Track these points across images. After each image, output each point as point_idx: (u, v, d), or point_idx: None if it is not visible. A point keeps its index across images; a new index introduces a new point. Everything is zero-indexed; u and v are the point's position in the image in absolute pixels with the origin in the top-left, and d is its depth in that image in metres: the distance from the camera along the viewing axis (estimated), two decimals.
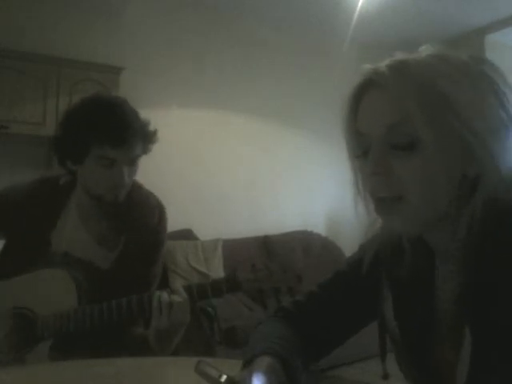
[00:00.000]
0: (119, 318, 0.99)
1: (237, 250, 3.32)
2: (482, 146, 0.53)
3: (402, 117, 0.55)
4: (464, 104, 0.54)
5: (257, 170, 3.82)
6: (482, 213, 0.53)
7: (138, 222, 1.18)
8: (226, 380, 0.56)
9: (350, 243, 3.61)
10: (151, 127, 1.16)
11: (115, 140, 1.06)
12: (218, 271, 3.13)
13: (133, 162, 1.12)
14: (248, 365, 0.62)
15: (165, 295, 0.99)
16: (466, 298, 0.55)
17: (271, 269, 1.00)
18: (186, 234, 3.26)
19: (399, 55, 0.58)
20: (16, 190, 1.22)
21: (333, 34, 3.74)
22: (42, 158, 2.93)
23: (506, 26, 3.69)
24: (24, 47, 2.75)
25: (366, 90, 0.59)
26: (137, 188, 1.21)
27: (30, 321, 1.01)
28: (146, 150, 1.16)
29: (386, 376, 0.72)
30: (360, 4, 3.28)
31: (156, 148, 1.18)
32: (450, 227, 0.58)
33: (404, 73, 0.55)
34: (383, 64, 0.58)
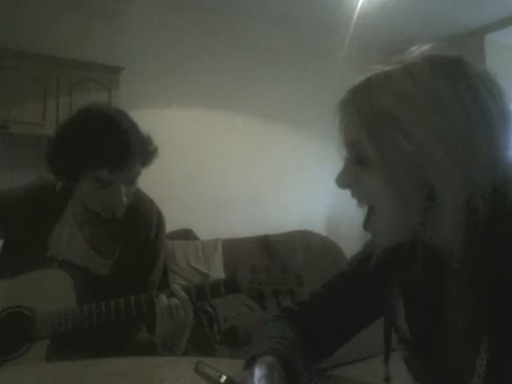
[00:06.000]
0: (117, 318, 0.99)
1: (237, 250, 3.32)
2: (434, 166, 0.54)
3: (355, 138, 0.60)
4: (415, 122, 0.55)
5: (257, 170, 3.82)
6: (487, 218, 0.53)
7: (135, 233, 1.16)
8: (226, 381, 0.56)
9: (350, 243, 3.63)
10: (151, 144, 1.10)
11: (113, 164, 0.99)
12: (218, 271, 3.13)
13: (131, 182, 1.08)
14: (250, 364, 0.62)
15: (163, 299, 0.98)
16: (483, 304, 0.54)
17: (271, 270, 0.99)
18: (186, 234, 3.26)
19: (374, 70, 0.61)
20: (12, 193, 1.20)
21: (333, 33, 3.74)
22: (41, 158, 2.93)
23: (505, 26, 3.68)
24: (24, 47, 2.75)
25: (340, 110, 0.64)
26: (137, 197, 1.17)
27: (29, 320, 1.00)
28: (145, 166, 1.10)
29: (387, 379, 0.71)
30: (360, 4, 3.28)
31: None
32: (445, 236, 0.57)
33: (359, 97, 0.60)
34: (349, 88, 0.62)
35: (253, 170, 3.79)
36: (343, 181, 0.63)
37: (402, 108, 0.56)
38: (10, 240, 1.16)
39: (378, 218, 0.61)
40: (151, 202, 1.25)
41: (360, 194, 0.63)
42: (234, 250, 3.32)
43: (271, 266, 1.00)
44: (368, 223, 0.63)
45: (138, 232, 1.17)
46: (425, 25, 3.69)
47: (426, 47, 0.61)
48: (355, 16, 3.45)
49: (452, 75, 0.56)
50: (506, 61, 3.41)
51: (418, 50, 0.61)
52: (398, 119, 0.55)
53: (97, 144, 0.99)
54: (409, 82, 0.56)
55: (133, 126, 1.07)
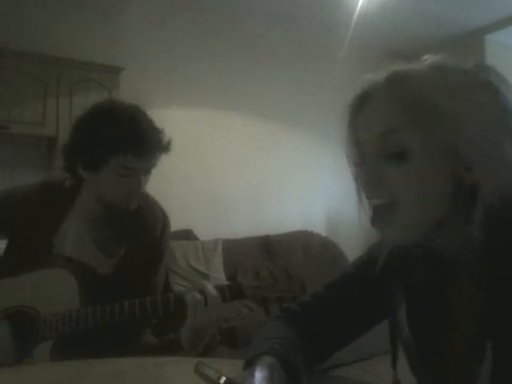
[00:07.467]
0: (121, 319, 0.98)
1: (237, 250, 3.32)
2: (474, 156, 0.53)
3: (392, 127, 0.57)
4: (457, 115, 0.54)
5: (257, 170, 3.82)
6: (489, 221, 0.52)
7: (140, 232, 1.17)
8: (225, 381, 0.56)
9: (350, 243, 3.63)
10: (166, 136, 1.15)
11: (140, 150, 1.05)
12: (218, 271, 3.13)
13: (149, 171, 1.13)
14: (249, 364, 0.62)
15: (196, 294, 0.98)
16: (487, 311, 0.54)
17: (275, 276, 0.98)
18: (186, 234, 3.26)
19: (398, 65, 0.60)
20: (19, 191, 1.21)
21: (333, 33, 3.74)
22: (41, 158, 2.93)
23: (505, 26, 3.69)
24: (24, 47, 2.75)
25: (364, 101, 0.61)
26: (143, 198, 1.19)
27: (33, 320, 1.00)
28: (161, 157, 1.16)
29: (396, 382, 0.71)
30: (360, 4, 3.29)
31: None
32: (455, 235, 0.57)
33: (398, 85, 0.57)
34: (381, 75, 0.59)
35: (253, 170, 3.79)
36: (382, 190, 0.58)
37: (446, 102, 0.54)
38: (17, 238, 1.16)
39: (401, 213, 0.58)
40: (156, 202, 1.26)
41: (382, 189, 0.58)
42: (235, 250, 3.31)
43: (274, 270, 0.99)
44: (379, 220, 0.60)
45: (144, 232, 1.18)
46: (425, 25, 3.70)
47: (438, 56, 0.61)
48: (355, 16, 3.45)
49: (479, 77, 0.58)
50: (506, 61, 3.41)
51: (431, 58, 0.60)
52: (442, 112, 0.54)
53: (125, 130, 1.05)
54: (450, 78, 0.56)
55: (150, 117, 1.14)
